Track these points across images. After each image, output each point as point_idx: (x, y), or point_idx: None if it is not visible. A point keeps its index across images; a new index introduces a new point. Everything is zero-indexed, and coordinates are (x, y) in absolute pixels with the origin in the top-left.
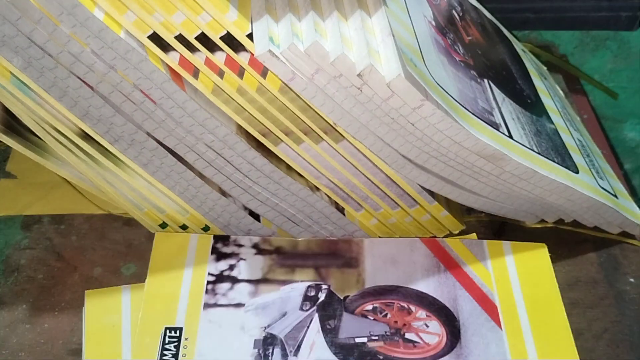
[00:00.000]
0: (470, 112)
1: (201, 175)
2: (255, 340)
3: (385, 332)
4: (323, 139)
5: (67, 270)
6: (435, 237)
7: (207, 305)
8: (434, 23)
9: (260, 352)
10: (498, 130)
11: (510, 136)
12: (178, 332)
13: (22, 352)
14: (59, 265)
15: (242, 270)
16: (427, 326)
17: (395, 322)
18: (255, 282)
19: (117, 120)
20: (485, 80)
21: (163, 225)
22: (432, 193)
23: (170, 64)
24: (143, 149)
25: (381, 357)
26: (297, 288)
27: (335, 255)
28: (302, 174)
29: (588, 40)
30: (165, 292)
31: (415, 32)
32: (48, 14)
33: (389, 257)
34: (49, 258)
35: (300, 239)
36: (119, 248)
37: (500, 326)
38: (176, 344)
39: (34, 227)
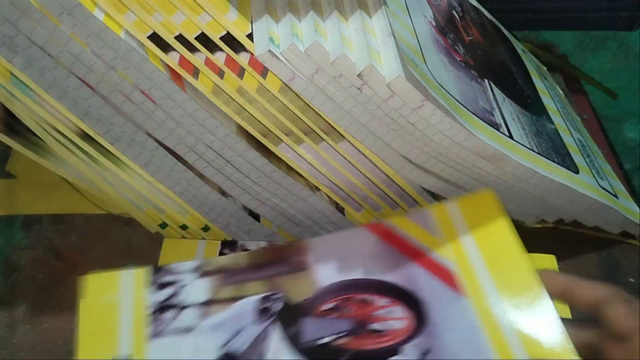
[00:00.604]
0: (472, 112)
1: (201, 176)
2: None
3: (349, 328)
4: (323, 139)
5: (67, 270)
6: (380, 221)
7: (154, 335)
8: (434, 23)
9: None
10: (498, 130)
11: (511, 136)
12: None
13: (22, 352)
14: (59, 265)
15: (186, 296)
16: (391, 313)
17: (358, 315)
18: (203, 304)
19: (117, 120)
20: (486, 80)
21: (163, 225)
22: (432, 193)
23: (170, 64)
24: (143, 149)
25: (351, 353)
26: (249, 302)
27: (282, 262)
28: (302, 174)
29: (588, 40)
30: (105, 327)
31: (415, 32)
32: (48, 14)
33: (337, 252)
34: (49, 258)
35: (241, 254)
36: (119, 248)
37: (464, 295)
38: None
39: (34, 227)
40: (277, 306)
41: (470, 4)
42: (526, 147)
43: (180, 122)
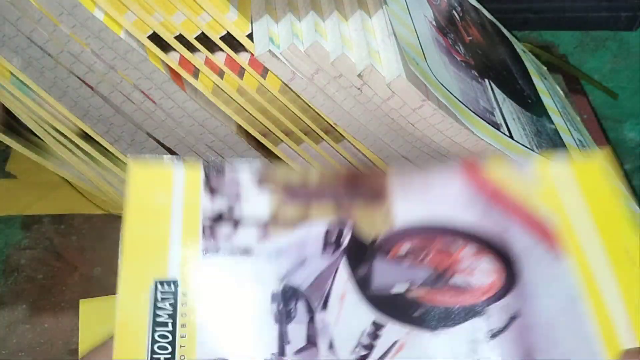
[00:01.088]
0: (472, 111)
1: None
2: (272, 293)
3: (427, 278)
4: (323, 139)
5: (67, 270)
6: (474, 161)
7: (206, 252)
8: (434, 23)
9: (281, 307)
10: (499, 130)
11: (511, 136)
12: (172, 286)
13: (22, 352)
14: (59, 265)
15: (245, 209)
16: (477, 265)
17: (437, 264)
18: (263, 224)
19: (117, 120)
20: (486, 80)
21: None
22: None
23: (170, 64)
24: (143, 149)
25: (425, 308)
26: (315, 228)
27: (357, 186)
28: None
29: (588, 40)
30: (150, 238)
31: (416, 31)
32: (48, 14)
33: (422, 188)
34: (49, 258)
35: (311, 170)
36: (119, 248)
37: (564, 256)
38: (172, 301)
39: (34, 227)
40: (347, 239)
41: (470, 4)
42: (526, 146)
43: (180, 122)
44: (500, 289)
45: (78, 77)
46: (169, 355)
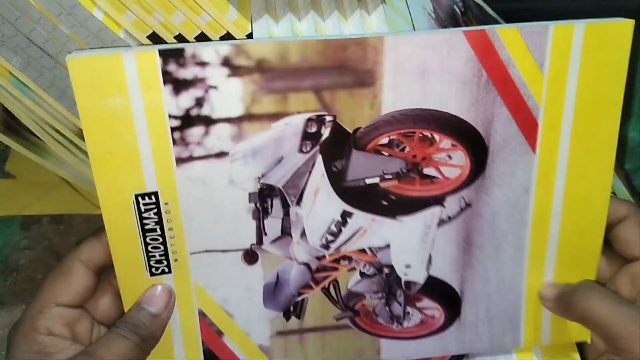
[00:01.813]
0: None
1: None
2: (249, 193)
3: (401, 169)
4: None
5: None
6: (483, 29)
7: (180, 161)
8: (433, 15)
9: (258, 205)
10: None
11: None
12: (153, 197)
13: None
14: None
15: (216, 104)
16: (451, 157)
17: (414, 156)
18: (236, 120)
19: None
20: None
21: None
22: None
23: None
24: None
25: (393, 197)
26: (293, 123)
27: (344, 68)
28: None
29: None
30: (118, 152)
31: (413, 25)
32: (47, 13)
33: (417, 65)
34: (48, 258)
35: (291, 41)
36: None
37: (534, 150)
38: (155, 210)
39: (34, 227)
40: (326, 132)
41: (474, 0)
42: None
43: None
44: (464, 182)
45: None
46: (162, 252)
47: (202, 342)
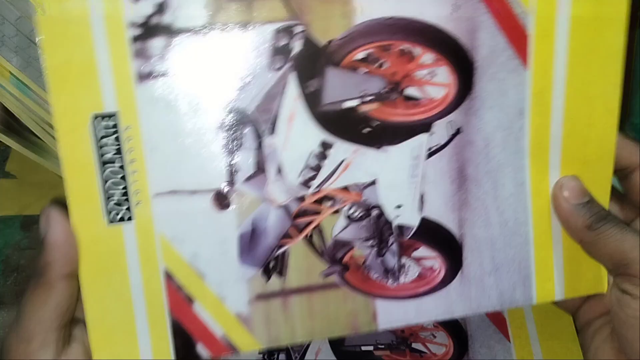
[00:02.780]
0: None
1: None
2: (219, 122)
3: (381, 89)
4: None
5: None
6: None
7: (141, 77)
8: None
9: (228, 135)
10: None
11: None
12: (113, 120)
13: None
14: None
15: (177, 11)
16: (433, 75)
17: (394, 73)
18: (200, 30)
19: None
20: None
21: None
22: None
23: None
24: None
25: (376, 124)
26: (260, 34)
27: None
28: None
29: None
30: (74, 62)
31: None
32: None
33: None
34: None
35: None
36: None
37: (525, 65)
38: (115, 136)
39: (34, 227)
40: (297, 45)
41: None
42: None
43: None
44: (451, 103)
45: None
46: (124, 190)
47: (170, 313)
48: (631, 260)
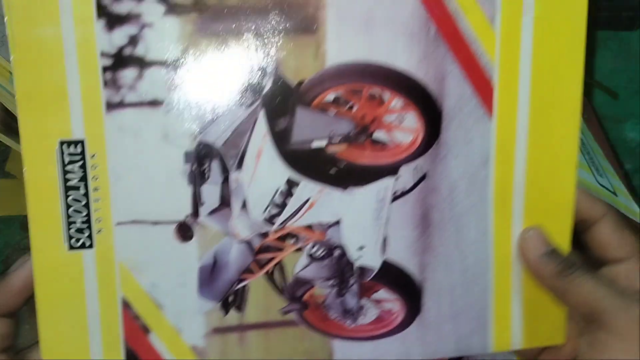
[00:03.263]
0: None
1: None
2: (185, 152)
3: (350, 131)
4: None
5: None
6: None
7: (110, 106)
8: None
9: (195, 167)
10: None
11: None
12: (79, 147)
13: None
14: None
15: (151, 44)
16: (401, 120)
17: (363, 116)
18: (173, 63)
19: None
20: None
21: None
22: None
23: None
24: None
25: (342, 165)
26: (233, 69)
27: (284, 11)
28: None
29: (588, 40)
30: (45, 87)
31: None
32: None
33: (361, 12)
34: None
35: None
36: None
37: (490, 114)
38: (81, 163)
39: None
40: (268, 83)
41: None
42: None
43: None
44: (417, 149)
45: None
46: (85, 218)
47: (125, 341)
48: (603, 309)
